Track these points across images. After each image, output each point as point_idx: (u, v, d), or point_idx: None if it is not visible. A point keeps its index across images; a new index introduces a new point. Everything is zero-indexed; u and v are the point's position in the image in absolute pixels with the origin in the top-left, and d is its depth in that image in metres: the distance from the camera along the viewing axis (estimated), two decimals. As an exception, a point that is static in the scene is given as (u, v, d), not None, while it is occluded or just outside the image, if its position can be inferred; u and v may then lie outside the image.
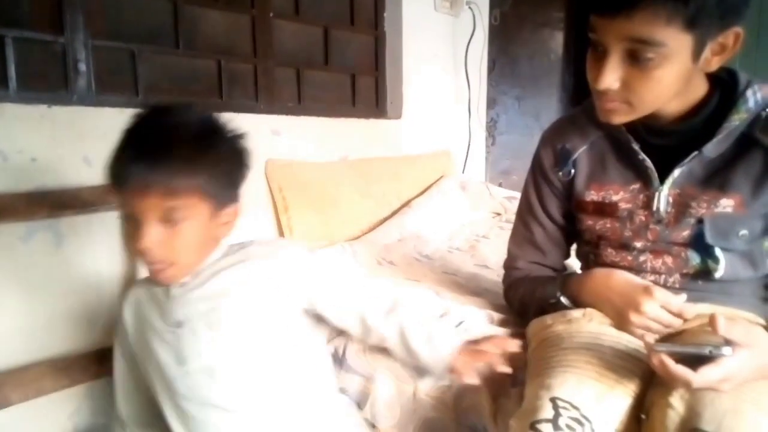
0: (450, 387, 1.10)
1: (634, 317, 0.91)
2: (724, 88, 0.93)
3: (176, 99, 1.70)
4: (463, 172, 2.70)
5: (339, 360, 1.16)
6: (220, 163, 0.92)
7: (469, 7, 2.61)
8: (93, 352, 1.36)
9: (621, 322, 0.94)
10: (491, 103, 2.97)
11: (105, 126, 1.47)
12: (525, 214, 1.19)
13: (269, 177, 1.84)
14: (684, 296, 0.90)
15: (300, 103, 2.06)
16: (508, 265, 1.24)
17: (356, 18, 2.27)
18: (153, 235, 0.86)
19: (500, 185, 2.77)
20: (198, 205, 0.89)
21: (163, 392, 0.98)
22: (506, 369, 0.98)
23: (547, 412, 0.78)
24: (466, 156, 2.74)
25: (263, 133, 1.86)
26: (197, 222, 0.90)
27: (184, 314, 0.95)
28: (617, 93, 0.87)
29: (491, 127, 3.01)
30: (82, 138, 1.43)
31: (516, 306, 1.23)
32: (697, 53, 0.83)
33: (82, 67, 1.49)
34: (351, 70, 2.28)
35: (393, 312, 1.04)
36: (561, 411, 0.78)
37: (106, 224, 1.47)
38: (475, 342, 1.02)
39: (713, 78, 0.94)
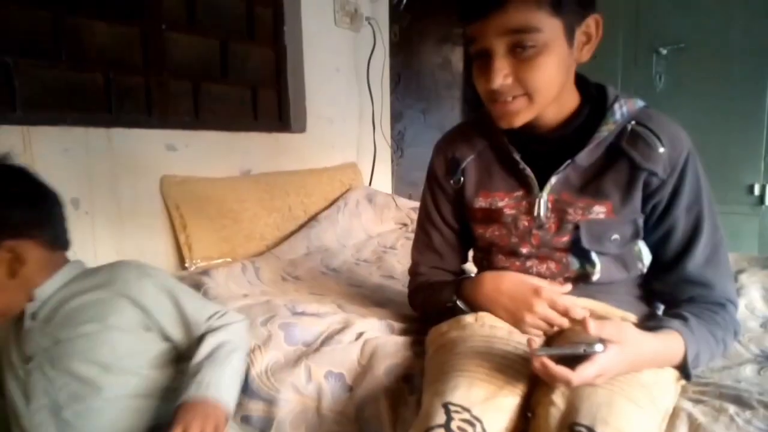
0: (351, 399, 1.09)
1: (528, 318, 0.96)
2: (594, 102, 1.00)
3: (61, 114, 1.60)
4: (369, 184, 2.72)
5: (243, 386, 1.13)
6: None
7: (369, 23, 2.66)
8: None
9: (516, 323, 0.99)
10: (398, 116, 3.03)
11: (-24, 144, 1.36)
12: (423, 220, 1.23)
13: (165, 194, 1.77)
14: (569, 287, 0.96)
15: (197, 117, 2.01)
16: (411, 271, 1.27)
17: (255, 31, 2.25)
18: None
19: (410, 197, 2.81)
20: None
21: (15, 429, 0.94)
22: None
23: (439, 417, 0.80)
24: (372, 168, 2.77)
25: (157, 149, 1.79)
26: None
27: (31, 350, 0.94)
28: (512, 89, 0.90)
29: (399, 139, 3.06)
30: (-51, 157, 1.31)
31: (419, 311, 1.26)
32: (570, 38, 0.89)
33: (-52, 80, 1.38)
34: (251, 83, 2.25)
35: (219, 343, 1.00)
36: (453, 415, 0.80)
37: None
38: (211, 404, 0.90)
39: (584, 93, 1.01)
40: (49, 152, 1.50)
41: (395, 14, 2.88)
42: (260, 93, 2.29)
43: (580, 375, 0.76)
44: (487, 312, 1.03)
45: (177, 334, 1.01)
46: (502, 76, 0.89)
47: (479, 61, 0.92)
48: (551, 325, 0.97)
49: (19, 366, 0.94)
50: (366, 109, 2.73)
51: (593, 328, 0.77)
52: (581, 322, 0.78)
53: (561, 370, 0.76)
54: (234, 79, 2.16)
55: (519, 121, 0.95)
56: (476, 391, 0.85)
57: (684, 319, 0.92)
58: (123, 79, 1.78)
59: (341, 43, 2.58)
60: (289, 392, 1.10)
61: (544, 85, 0.90)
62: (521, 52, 0.87)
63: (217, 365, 0.94)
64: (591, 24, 0.91)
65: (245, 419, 1.10)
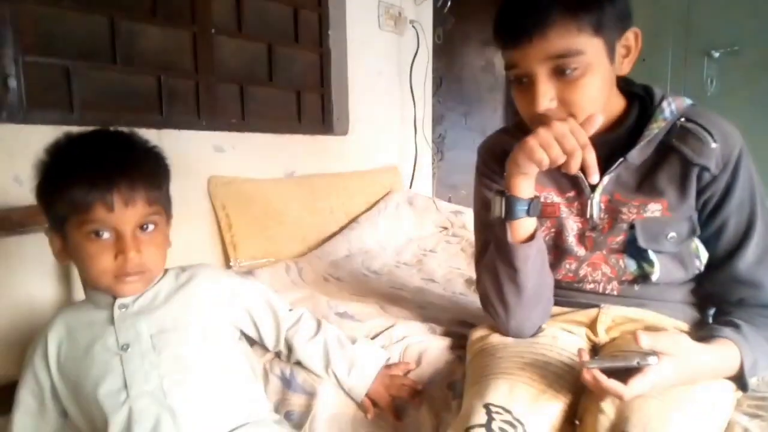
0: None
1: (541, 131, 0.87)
2: (642, 102, 0.98)
3: (115, 115, 1.66)
4: (410, 187, 2.72)
5: (287, 381, 1.15)
6: (166, 177, 1.01)
7: (413, 26, 2.66)
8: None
9: (532, 158, 0.88)
10: (439, 119, 3.02)
11: (37, 144, 1.39)
12: (481, 228, 1.13)
13: (212, 194, 1.81)
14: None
15: (244, 120, 2.05)
16: (476, 260, 1.14)
17: (300, 35, 2.28)
18: (135, 244, 0.91)
19: (449, 200, 2.80)
20: (161, 213, 0.97)
21: (98, 423, 0.93)
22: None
23: (480, 417, 0.80)
24: (413, 171, 2.77)
25: (206, 150, 1.83)
26: (162, 230, 0.98)
27: (128, 338, 0.94)
28: (557, 112, 0.88)
29: (439, 142, 3.06)
30: (12, 156, 1.38)
31: (486, 280, 1.06)
32: (611, 55, 0.88)
33: (13, 83, 1.44)
34: (296, 86, 2.28)
35: (316, 337, 1.13)
36: (494, 415, 0.80)
37: (39, 246, 1.41)
38: (389, 367, 1.14)
39: (630, 95, 1.00)
40: (103, 152, 1.55)
41: (439, 17, 2.88)
42: (304, 96, 2.32)
43: (632, 389, 0.74)
44: (513, 182, 0.93)
45: (270, 335, 1.13)
46: (547, 100, 0.87)
47: (521, 85, 0.91)
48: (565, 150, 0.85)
49: (112, 355, 0.94)
50: (408, 112, 2.74)
51: (645, 340, 0.75)
52: (634, 336, 0.76)
53: (613, 384, 0.74)
54: (279, 82, 2.20)
55: None
56: (518, 394, 0.84)
57: (736, 326, 0.90)
58: (174, 82, 1.83)
59: (385, 46, 2.59)
60: (331, 388, 1.11)
61: (588, 105, 0.88)
62: (564, 75, 0.86)
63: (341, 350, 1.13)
64: (630, 37, 0.90)
65: (287, 415, 1.11)
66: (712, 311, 1.05)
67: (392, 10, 2.58)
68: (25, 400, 0.97)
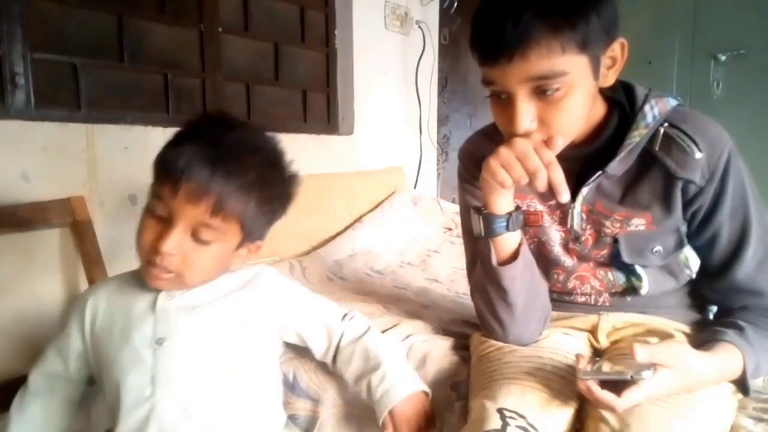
0: (396, 402, 1.10)
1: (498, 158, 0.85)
2: (623, 105, 0.94)
3: (121, 113, 1.67)
4: (415, 188, 2.73)
5: (290, 385, 1.15)
6: (271, 200, 0.92)
7: (419, 27, 2.67)
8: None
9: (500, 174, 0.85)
10: (444, 119, 3.03)
11: (44, 140, 1.43)
12: (468, 235, 1.11)
13: (217, 193, 1.81)
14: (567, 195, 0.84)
15: (250, 118, 2.05)
16: (468, 271, 1.15)
17: (307, 35, 2.29)
18: (178, 242, 0.83)
19: (454, 201, 2.80)
20: (232, 232, 0.87)
21: (115, 404, 0.90)
22: None
23: (494, 422, 0.79)
24: (418, 172, 2.77)
25: (211, 149, 1.83)
26: (222, 248, 0.88)
27: (168, 332, 0.90)
28: (536, 131, 0.84)
29: (444, 143, 3.06)
30: (19, 153, 1.39)
31: (477, 301, 1.07)
32: (595, 71, 0.83)
33: (21, 80, 1.45)
34: (302, 86, 2.29)
35: (363, 337, 1.04)
36: (509, 420, 0.79)
37: (46, 243, 1.42)
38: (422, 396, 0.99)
39: (610, 98, 0.95)
40: (109, 149, 1.56)
41: (445, 18, 2.88)
42: (310, 95, 2.33)
43: (625, 402, 0.73)
44: (488, 199, 0.91)
45: (320, 351, 1.05)
46: (528, 121, 0.82)
47: (499, 101, 0.85)
48: (529, 171, 0.83)
49: (145, 346, 0.89)
50: (413, 113, 2.74)
51: (641, 354, 0.74)
52: (630, 349, 0.75)
53: (606, 395, 0.74)
54: (285, 81, 2.21)
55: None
56: (530, 399, 0.83)
57: (739, 329, 0.88)
58: (180, 80, 1.83)
59: (391, 46, 2.60)
60: (336, 392, 1.11)
61: (569, 124, 0.84)
62: (545, 94, 0.80)
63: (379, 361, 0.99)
64: (616, 48, 0.84)
65: (292, 418, 1.11)
66: (714, 309, 1.04)
67: (399, 10, 2.58)
68: (52, 359, 0.97)
